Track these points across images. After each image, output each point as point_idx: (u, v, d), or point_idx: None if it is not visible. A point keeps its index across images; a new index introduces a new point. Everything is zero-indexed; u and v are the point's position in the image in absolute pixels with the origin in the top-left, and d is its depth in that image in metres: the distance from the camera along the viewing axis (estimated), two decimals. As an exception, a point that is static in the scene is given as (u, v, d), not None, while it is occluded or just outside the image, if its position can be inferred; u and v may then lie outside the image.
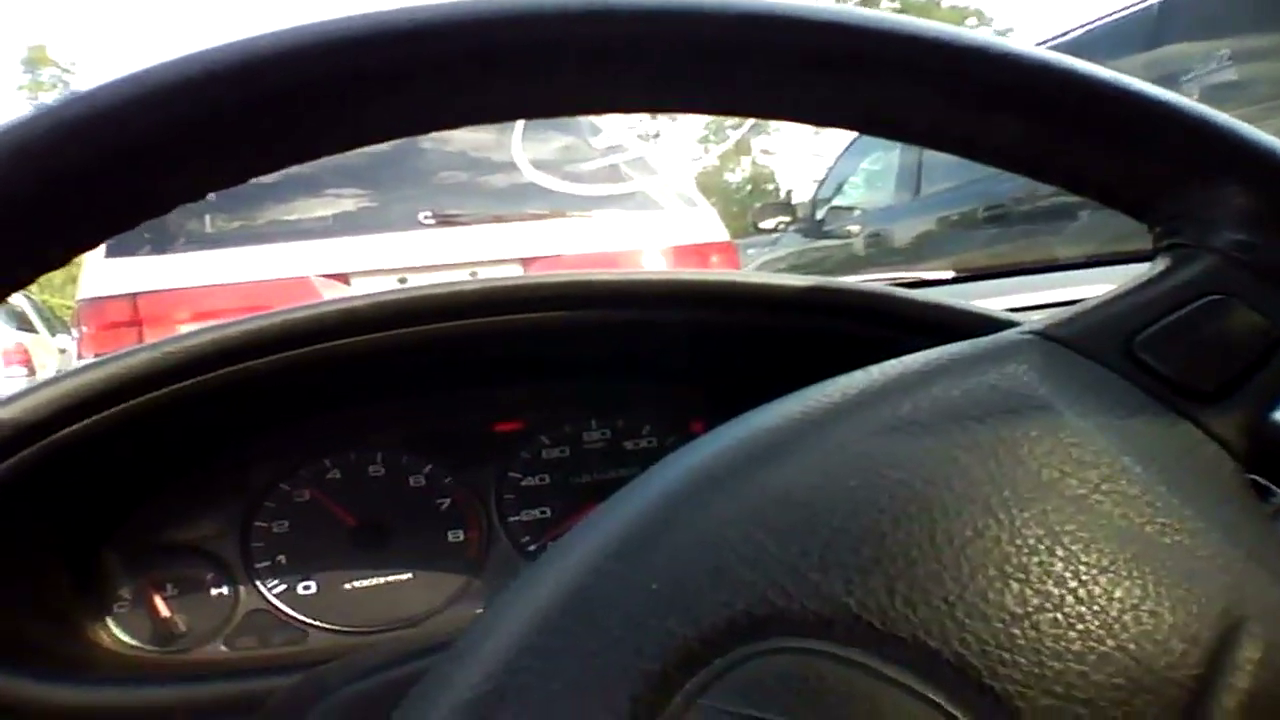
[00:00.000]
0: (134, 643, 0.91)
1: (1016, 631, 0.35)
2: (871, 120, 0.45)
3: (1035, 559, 0.37)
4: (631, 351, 1.03)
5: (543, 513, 1.06)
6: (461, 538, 1.03)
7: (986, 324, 0.89)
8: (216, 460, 0.97)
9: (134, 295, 3.13)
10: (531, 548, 1.04)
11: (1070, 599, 0.36)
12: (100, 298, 3.16)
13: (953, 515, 0.37)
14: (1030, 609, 0.35)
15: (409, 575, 1.01)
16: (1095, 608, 0.36)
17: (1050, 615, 0.36)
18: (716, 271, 0.97)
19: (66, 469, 0.77)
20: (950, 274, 1.70)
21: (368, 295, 0.86)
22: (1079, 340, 0.46)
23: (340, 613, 0.98)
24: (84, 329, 3.21)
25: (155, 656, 0.91)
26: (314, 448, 1.01)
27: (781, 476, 0.39)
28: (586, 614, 0.35)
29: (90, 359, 0.79)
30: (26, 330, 9.66)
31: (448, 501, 1.04)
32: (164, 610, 0.92)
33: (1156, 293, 0.47)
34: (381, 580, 1.00)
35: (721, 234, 4.13)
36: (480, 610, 1.00)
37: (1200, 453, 0.43)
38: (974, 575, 0.36)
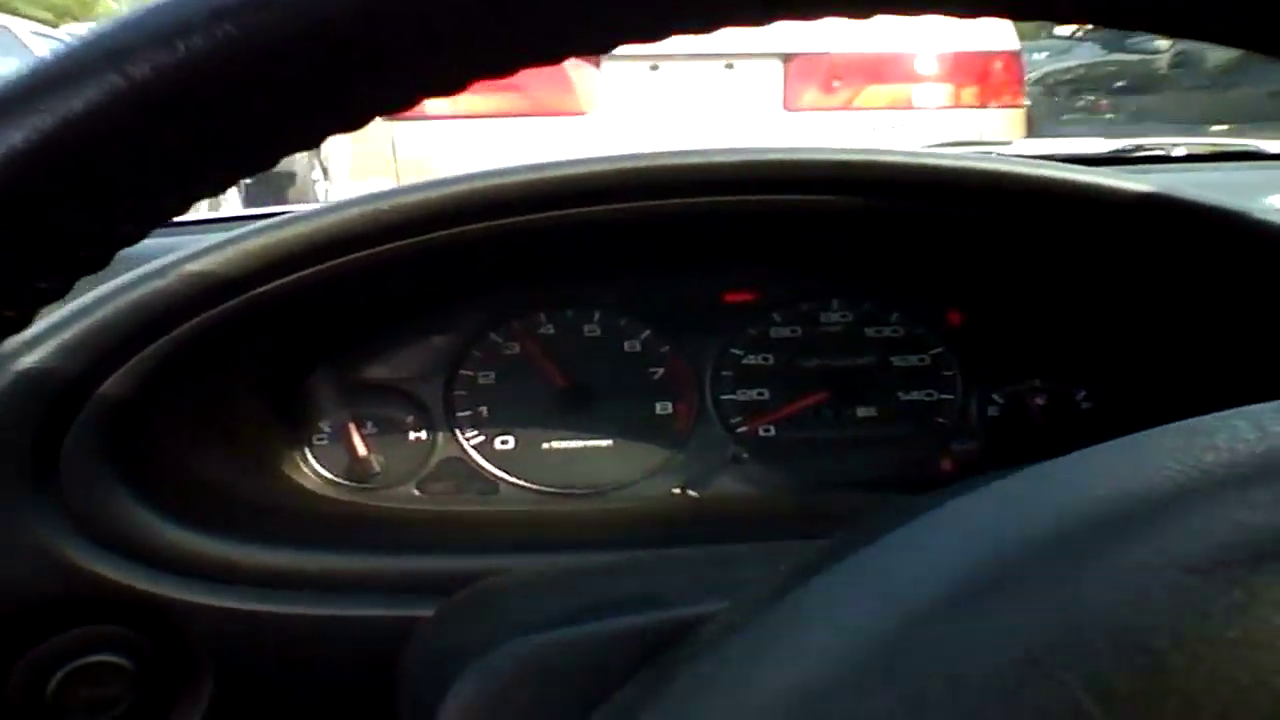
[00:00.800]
0: (329, 477, 0.89)
1: None
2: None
3: None
4: (891, 233, 0.89)
5: (760, 394, 0.97)
6: (669, 410, 0.96)
7: None
8: (429, 306, 0.92)
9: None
10: (741, 429, 0.96)
11: None
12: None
13: None
14: None
15: (610, 442, 0.95)
16: None
17: None
18: (1023, 161, 0.79)
19: (273, 316, 0.73)
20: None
21: (608, 160, 0.76)
22: None
23: (535, 471, 0.93)
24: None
25: (348, 495, 0.89)
26: (530, 301, 0.94)
27: (1114, 595, 0.27)
28: None
29: (306, 208, 0.72)
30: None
31: (661, 371, 0.96)
32: (361, 448, 0.90)
33: None
34: (581, 444, 0.94)
35: (1008, 40, 3.73)
36: (678, 489, 0.94)
37: None
38: None
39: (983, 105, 3.78)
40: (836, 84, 3.47)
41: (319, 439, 0.90)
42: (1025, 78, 4.63)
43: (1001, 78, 3.76)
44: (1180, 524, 0.29)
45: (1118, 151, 1.40)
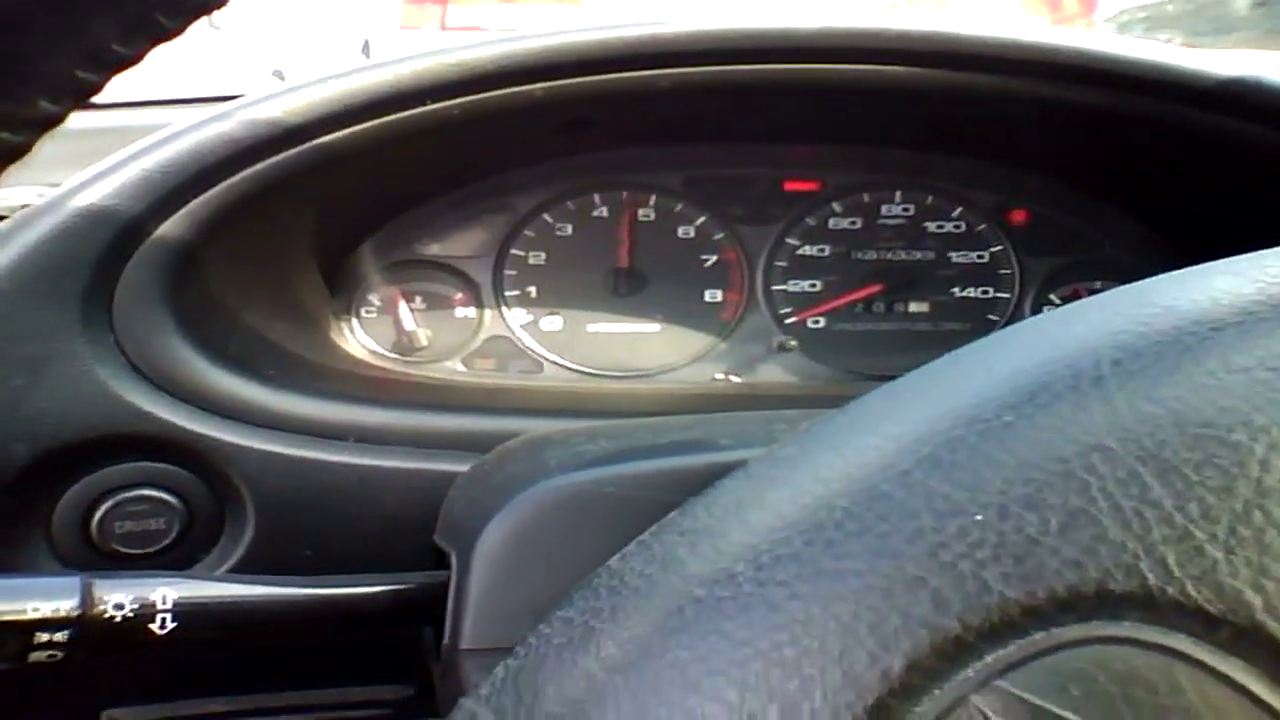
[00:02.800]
0: (375, 348, 0.90)
1: None
2: None
3: None
4: (961, 120, 0.86)
5: (812, 286, 0.95)
6: (719, 298, 0.95)
7: None
8: (484, 181, 0.91)
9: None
10: (790, 320, 0.95)
11: None
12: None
13: None
14: None
15: (657, 327, 0.94)
16: None
17: None
18: (1117, 42, 0.77)
19: (330, 171, 0.73)
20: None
21: (677, 22, 0.74)
22: None
23: (580, 353, 0.93)
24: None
25: (393, 366, 0.89)
26: (585, 181, 0.93)
27: (1197, 394, 0.27)
28: (881, 531, 0.26)
29: (375, 60, 0.71)
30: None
31: (714, 259, 0.94)
32: (409, 321, 0.90)
33: None
34: (627, 328, 0.94)
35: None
36: (721, 375, 0.93)
37: None
38: None
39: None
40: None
41: (367, 310, 0.90)
42: (1098, 12, 4.48)
43: (1074, 9, 3.65)
44: (1269, 327, 0.29)
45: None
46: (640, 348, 0.94)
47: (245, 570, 0.66)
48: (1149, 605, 0.24)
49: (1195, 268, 0.35)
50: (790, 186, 0.95)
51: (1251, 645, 0.24)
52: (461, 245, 0.92)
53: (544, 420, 0.74)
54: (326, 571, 0.58)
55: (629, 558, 0.32)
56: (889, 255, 0.95)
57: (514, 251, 0.93)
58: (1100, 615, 0.24)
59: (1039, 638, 0.24)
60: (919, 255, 0.95)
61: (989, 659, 0.24)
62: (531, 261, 0.93)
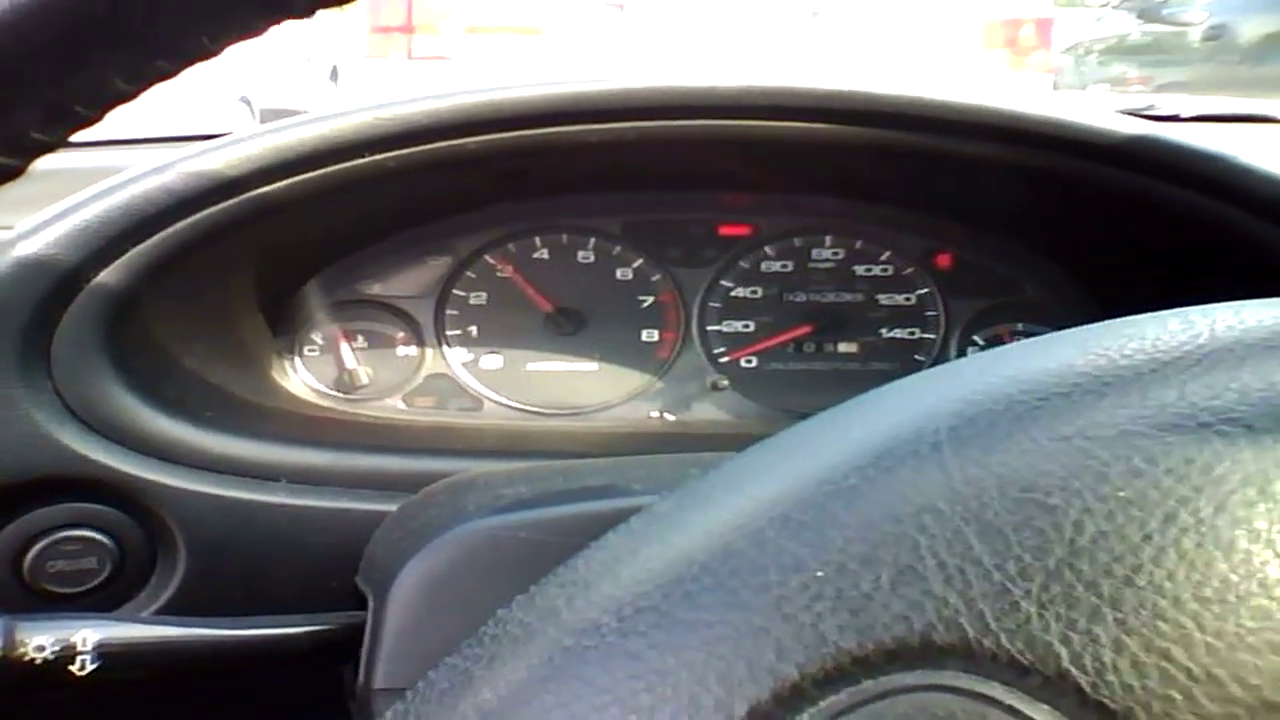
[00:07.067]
0: (317, 387, 0.91)
1: None
2: None
3: None
4: (886, 171, 0.89)
5: (745, 326, 0.98)
6: (656, 338, 0.98)
7: None
8: (425, 224, 0.93)
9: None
10: (724, 359, 0.98)
11: None
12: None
13: (1248, 562, 0.27)
14: None
15: (595, 366, 0.96)
16: None
17: None
18: (1030, 101, 0.80)
19: (270, 219, 0.75)
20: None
21: (604, 80, 0.77)
22: None
23: (519, 391, 0.95)
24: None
25: (334, 404, 0.91)
26: (526, 224, 0.96)
27: (1022, 459, 0.29)
28: (732, 586, 0.29)
29: (311, 114, 0.74)
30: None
31: (650, 300, 0.97)
32: (350, 360, 0.92)
33: None
34: (566, 366, 0.96)
35: (1041, 6, 3.69)
36: (656, 413, 0.96)
37: None
38: (1252, 652, 0.26)
39: (1010, 69, 3.75)
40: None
41: (310, 349, 0.92)
42: (1055, 44, 4.58)
43: (1031, 43, 3.73)
44: (1093, 399, 0.31)
45: (1129, 110, 1.39)
46: (578, 386, 0.96)
47: (175, 610, 0.68)
48: (968, 655, 0.26)
49: (1042, 338, 0.38)
50: (725, 231, 0.98)
51: (1058, 693, 0.26)
52: (404, 285, 0.95)
53: (480, 460, 0.76)
54: (257, 612, 0.60)
55: (514, 607, 0.34)
56: (819, 297, 0.98)
57: (456, 292, 0.95)
58: (924, 665, 0.27)
59: (868, 685, 0.27)
60: (848, 297, 0.98)
61: (822, 705, 0.26)
62: (473, 302, 0.95)
